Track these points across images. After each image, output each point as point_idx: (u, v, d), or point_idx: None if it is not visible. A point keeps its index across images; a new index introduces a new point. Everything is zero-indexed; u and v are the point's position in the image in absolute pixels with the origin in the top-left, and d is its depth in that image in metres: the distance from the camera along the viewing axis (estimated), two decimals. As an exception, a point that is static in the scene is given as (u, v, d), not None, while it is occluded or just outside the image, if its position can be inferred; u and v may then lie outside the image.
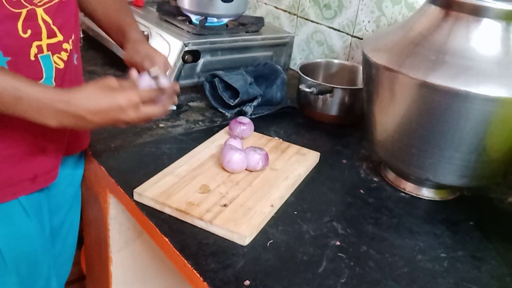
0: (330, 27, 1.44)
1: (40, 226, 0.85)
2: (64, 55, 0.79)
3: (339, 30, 1.41)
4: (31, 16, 0.72)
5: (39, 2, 0.73)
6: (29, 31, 0.72)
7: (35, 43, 0.74)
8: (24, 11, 0.71)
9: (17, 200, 0.80)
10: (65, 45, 0.79)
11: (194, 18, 1.33)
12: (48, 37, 0.76)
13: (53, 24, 0.76)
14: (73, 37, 0.82)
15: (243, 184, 0.89)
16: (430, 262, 0.77)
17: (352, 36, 1.38)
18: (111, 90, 0.71)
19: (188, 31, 1.26)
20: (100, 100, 0.70)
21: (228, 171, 0.91)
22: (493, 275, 0.76)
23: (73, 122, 0.69)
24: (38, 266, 0.88)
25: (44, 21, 0.74)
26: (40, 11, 0.73)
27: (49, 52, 0.76)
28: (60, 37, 0.78)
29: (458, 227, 0.86)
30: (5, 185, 0.78)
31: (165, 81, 0.80)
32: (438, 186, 0.93)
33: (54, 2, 0.75)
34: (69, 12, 0.80)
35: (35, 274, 0.88)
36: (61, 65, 0.79)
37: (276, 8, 1.62)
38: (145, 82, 0.79)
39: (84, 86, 0.71)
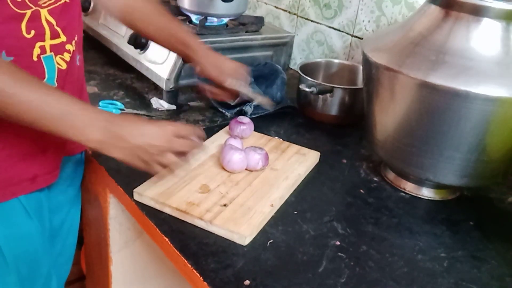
0: (330, 27, 1.44)
1: (41, 226, 0.85)
2: (66, 56, 0.79)
3: (339, 30, 1.41)
4: (35, 17, 0.72)
5: (44, 3, 0.73)
6: (32, 32, 0.73)
7: (38, 44, 0.74)
8: (28, 12, 0.71)
9: (18, 199, 0.80)
10: (68, 46, 0.79)
11: (194, 18, 1.32)
12: (52, 38, 0.76)
13: (56, 25, 0.76)
14: (76, 38, 0.82)
15: (243, 184, 0.89)
16: (430, 262, 0.77)
17: (352, 36, 1.38)
18: (149, 121, 0.77)
19: (188, 31, 1.26)
20: (141, 123, 0.74)
21: (228, 171, 0.91)
22: (493, 275, 0.76)
23: (112, 141, 0.71)
24: (38, 266, 0.88)
25: (48, 22, 0.74)
26: (44, 12, 0.73)
27: (52, 53, 0.77)
28: (63, 38, 0.78)
29: (458, 227, 0.86)
30: (6, 185, 0.78)
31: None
32: (438, 186, 0.93)
33: (58, 3, 0.76)
34: (72, 14, 0.80)
35: (35, 273, 0.88)
36: (64, 66, 0.79)
37: (276, 8, 1.62)
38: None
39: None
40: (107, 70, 1.38)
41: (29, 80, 0.67)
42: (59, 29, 0.77)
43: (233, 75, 0.92)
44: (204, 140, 0.84)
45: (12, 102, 0.65)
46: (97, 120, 0.70)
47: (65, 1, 0.77)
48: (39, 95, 0.67)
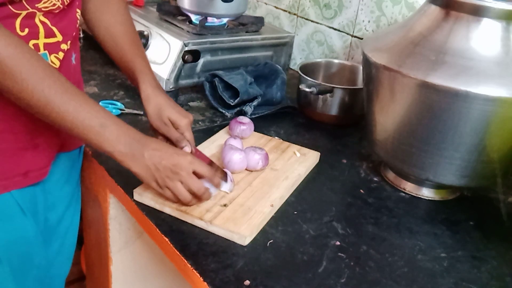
0: (330, 27, 1.44)
1: (34, 221, 0.85)
2: (61, 55, 0.80)
3: (339, 30, 1.41)
4: (29, 17, 0.73)
5: (41, 7, 0.73)
6: (26, 30, 0.73)
7: (32, 42, 0.74)
8: (24, 12, 0.72)
9: (10, 194, 0.80)
10: (63, 46, 0.80)
11: (194, 18, 1.33)
12: (46, 36, 0.76)
13: (51, 25, 0.76)
14: (72, 37, 0.82)
15: (243, 184, 0.89)
16: (430, 262, 0.77)
17: (352, 36, 1.38)
18: (172, 146, 0.81)
19: (188, 31, 1.26)
20: (163, 146, 0.78)
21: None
22: (493, 275, 0.76)
23: (133, 155, 0.75)
24: (31, 258, 0.87)
25: (41, 21, 0.75)
26: (38, 14, 0.74)
27: (46, 51, 0.77)
28: (59, 37, 0.78)
29: (458, 227, 0.87)
30: None
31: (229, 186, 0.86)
32: (438, 186, 0.94)
33: (57, 9, 0.76)
34: (70, 16, 0.81)
35: (27, 265, 0.87)
36: (57, 64, 0.79)
37: (276, 8, 1.62)
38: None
39: None
40: (107, 70, 1.38)
41: (72, 90, 0.71)
42: (54, 29, 0.77)
43: (173, 124, 0.89)
44: (227, 182, 0.85)
45: (56, 111, 0.70)
46: (124, 135, 0.75)
47: (64, 7, 0.78)
48: (79, 105, 0.71)
